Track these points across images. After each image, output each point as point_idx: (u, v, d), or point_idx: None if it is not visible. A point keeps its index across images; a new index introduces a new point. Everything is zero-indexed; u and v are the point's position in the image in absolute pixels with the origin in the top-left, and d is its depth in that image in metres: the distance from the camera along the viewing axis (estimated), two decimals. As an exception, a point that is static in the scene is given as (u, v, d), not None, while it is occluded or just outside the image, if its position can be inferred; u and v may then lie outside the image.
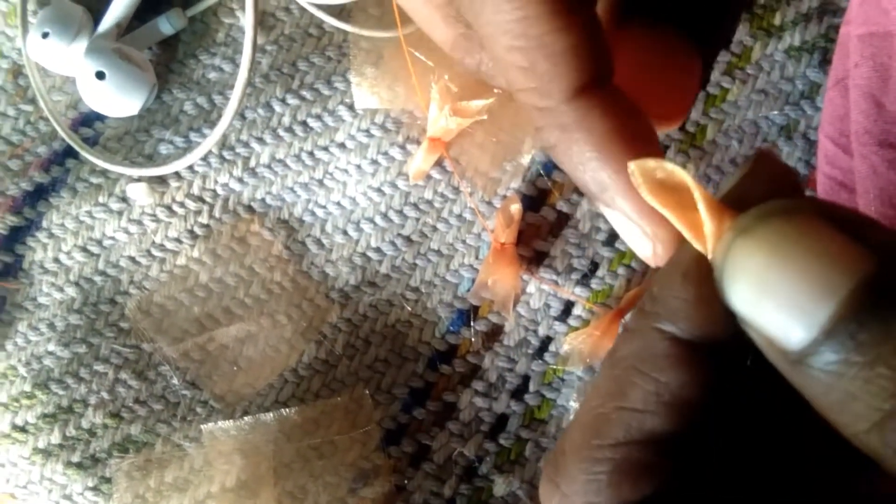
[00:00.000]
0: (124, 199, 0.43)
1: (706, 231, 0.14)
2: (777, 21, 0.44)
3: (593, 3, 0.17)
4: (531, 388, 0.42)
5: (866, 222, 0.14)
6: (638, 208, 0.17)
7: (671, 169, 0.15)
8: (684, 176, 0.15)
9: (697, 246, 0.15)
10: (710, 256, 0.15)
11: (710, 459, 0.16)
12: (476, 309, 0.43)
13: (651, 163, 0.15)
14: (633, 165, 0.16)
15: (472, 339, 0.43)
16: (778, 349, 0.13)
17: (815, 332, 0.13)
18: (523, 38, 0.16)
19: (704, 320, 0.15)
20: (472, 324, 0.43)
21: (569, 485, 0.16)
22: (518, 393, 0.42)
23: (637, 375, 0.15)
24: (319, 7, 0.42)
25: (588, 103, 0.17)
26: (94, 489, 0.42)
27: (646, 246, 0.18)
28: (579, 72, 0.16)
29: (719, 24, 0.21)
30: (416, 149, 0.43)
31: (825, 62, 0.43)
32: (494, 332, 0.43)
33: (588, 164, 0.17)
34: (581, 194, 0.43)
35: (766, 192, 0.15)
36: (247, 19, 0.38)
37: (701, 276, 0.15)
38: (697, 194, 0.15)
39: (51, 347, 0.43)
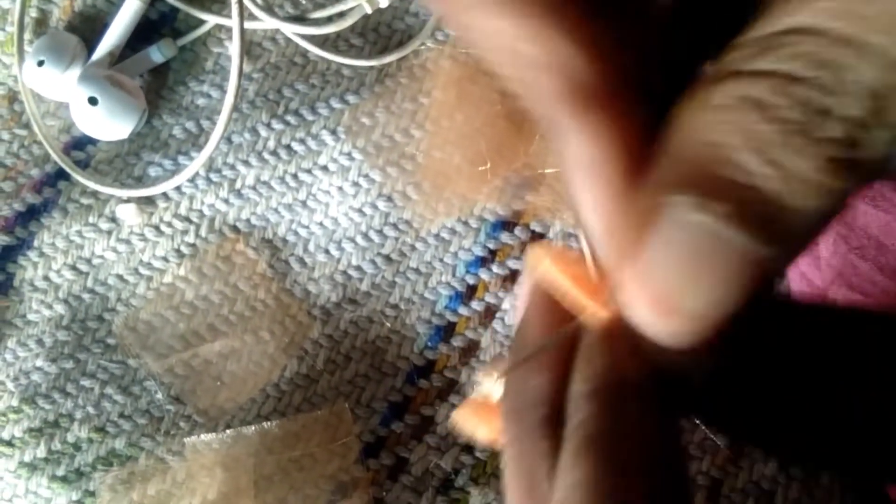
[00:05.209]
0: (113, 220, 0.45)
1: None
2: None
3: None
4: (506, 402, 0.44)
5: None
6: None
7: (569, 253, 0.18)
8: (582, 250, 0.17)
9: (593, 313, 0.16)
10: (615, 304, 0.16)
11: None
12: (453, 325, 0.44)
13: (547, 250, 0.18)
14: (541, 257, 0.18)
15: (450, 355, 0.44)
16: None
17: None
18: None
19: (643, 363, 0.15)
20: (449, 340, 0.44)
21: None
22: (494, 407, 0.44)
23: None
24: (304, 37, 0.45)
25: None
26: (78, 503, 0.43)
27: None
28: None
29: None
30: (394, 171, 0.45)
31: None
32: (471, 348, 0.44)
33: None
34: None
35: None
36: (234, 48, 0.40)
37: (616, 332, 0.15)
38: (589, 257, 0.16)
39: (39, 363, 0.44)
